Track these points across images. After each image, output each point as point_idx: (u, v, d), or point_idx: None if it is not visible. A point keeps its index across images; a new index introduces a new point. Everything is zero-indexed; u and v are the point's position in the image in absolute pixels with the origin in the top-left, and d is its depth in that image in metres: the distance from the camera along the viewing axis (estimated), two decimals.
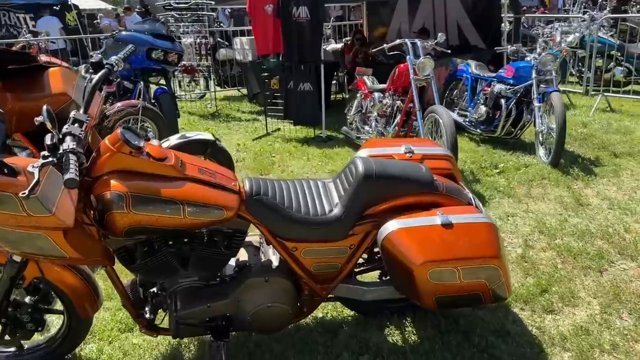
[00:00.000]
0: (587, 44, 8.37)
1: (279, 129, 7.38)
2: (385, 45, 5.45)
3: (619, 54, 8.86)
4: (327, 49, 10.21)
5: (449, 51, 5.75)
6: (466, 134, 6.67)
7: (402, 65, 5.36)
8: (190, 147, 4.23)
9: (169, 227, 2.09)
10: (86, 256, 2.10)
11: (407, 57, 5.19)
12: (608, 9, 11.73)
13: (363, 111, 6.08)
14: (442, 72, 7.74)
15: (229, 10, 16.51)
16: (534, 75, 5.59)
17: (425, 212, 2.34)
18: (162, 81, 7.23)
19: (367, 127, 5.89)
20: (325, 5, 14.60)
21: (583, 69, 9.15)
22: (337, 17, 15.99)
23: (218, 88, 10.34)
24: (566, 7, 17.52)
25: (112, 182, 2.01)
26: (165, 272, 2.28)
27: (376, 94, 5.65)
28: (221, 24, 13.40)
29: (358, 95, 6.20)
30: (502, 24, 8.98)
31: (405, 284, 2.30)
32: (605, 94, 7.89)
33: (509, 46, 5.98)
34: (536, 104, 5.51)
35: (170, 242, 2.21)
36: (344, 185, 2.42)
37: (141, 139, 2.08)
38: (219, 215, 2.15)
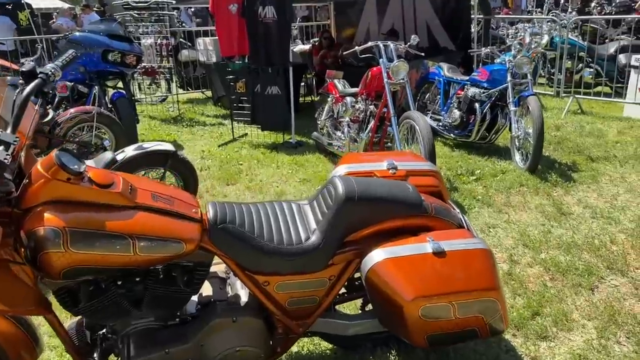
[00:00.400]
0: (557, 46, 8.30)
1: (246, 134, 7.04)
2: (357, 47, 5.19)
3: (587, 56, 8.84)
4: (295, 50, 9.91)
5: (422, 54, 5.53)
6: (440, 139, 6.47)
7: (374, 68, 5.11)
8: (149, 159, 3.89)
9: (117, 266, 1.77)
10: (12, 306, 1.75)
11: (380, 60, 4.94)
12: (570, 10, 11.79)
13: (334, 116, 5.81)
14: (414, 75, 7.54)
15: (192, 10, 16.05)
16: (509, 78, 5.42)
17: (414, 238, 2.08)
18: (120, 84, 6.80)
19: (338, 133, 5.62)
20: (298, 4, 14.36)
21: (553, 70, 9.11)
22: (303, 18, 15.70)
23: (181, 90, 9.92)
24: (529, 9, 17.70)
25: (46, 215, 1.67)
26: (115, 314, 1.96)
27: (348, 99, 5.38)
28: (184, 24, 12.95)
29: (329, 99, 5.93)
30: (472, 25, 8.86)
31: (393, 320, 2.03)
32: (576, 96, 7.82)
33: (482, 48, 5.80)
34: (512, 108, 5.34)
35: (120, 282, 1.89)
36: (322, 209, 2.14)
37: (82, 162, 1.75)
38: (177, 250, 1.84)
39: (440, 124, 6.30)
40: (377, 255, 2.00)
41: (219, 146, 6.67)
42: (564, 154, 5.80)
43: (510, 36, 12.38)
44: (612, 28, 9.91)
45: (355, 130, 5.37)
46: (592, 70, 8.94)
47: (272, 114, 6.53)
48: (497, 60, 5.77)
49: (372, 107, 5.24)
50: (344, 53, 5.44)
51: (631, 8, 13.19)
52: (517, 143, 5.35)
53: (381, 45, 5.04)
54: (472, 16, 8.84)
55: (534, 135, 4.97)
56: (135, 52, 6.58)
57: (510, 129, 5.39)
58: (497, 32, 9.83)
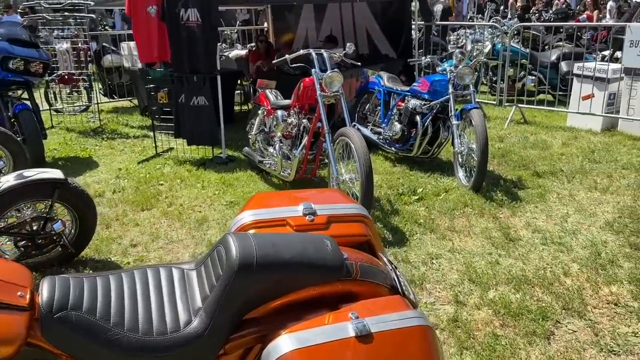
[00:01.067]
0: (499, 53, 8.08)
1: (171, 149, 6.42)
2: (287, 56, 4.69)
3: (529, 63, 8.69)
4: (230, 55, 9.31)
5: (359, 63, 5.09)
6: (381, 152, 6.07)
7: (307, 79, 4.63)
8: (32, 189, 3.25)
9: None
10: None
11: (313, 70, 4.46)
12: (510, 17, 11.73)
13: (266, 130, 5.29)
14: (354, 84, 7.13)
15: (120, 12, 15.16)
16: (450, 89, 5.06)
17: (334, 315, 1.58)
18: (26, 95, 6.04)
19: (271, 149, 5.10)
20: (231, 8, 13.70)
21: (495, 79, 8.91)
22: (243, 22, 15.09)
23: (105, 99, 9.14)
24: (470, 15, 17.76)
25: None
26: None
27: (279, 112, 4.86)
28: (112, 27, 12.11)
29: (260, 111, 5.41)
30: (413, 32, 8.54)
31: None
32: (519, 105, 7.61)
33: (422, 58, 5.43)
34: (454, 121, 4.97)
35: None
36: (211, 279, 1.61)
37: None
38: None
39: (381, 137, 5.90)
40: (283, 344, 1.49)
41: (139, 163, 6.02)
42: (508, 169, 5.49)
43: (451, 42, 12.24)
44: (552, 35, 9.83)
45: (288, 146, 4.86)
46: (534, 78, 8.81)
47: (198, 126, 5.94)
48: (439, 69, 5.40)
49: (305, 121, 4.76)
50: (274, 62, 4.94)
51: (568, 15, 13.34)
52: (459, 159, 4.99)
53: (314, 54, 4.56)
54: (413, 23, 8.51)
55: (477, 152, 4.61)
56: (42, 59, 5.86)
57: (452, 144, 5.02)
58: (439, 39, 9.56)
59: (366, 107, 6.47)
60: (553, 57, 8.65)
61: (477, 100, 5.03)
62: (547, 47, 10.12)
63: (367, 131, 6.17)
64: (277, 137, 4.92)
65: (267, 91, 5.43)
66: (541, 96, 8.40)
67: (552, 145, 6.33)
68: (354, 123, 6.45)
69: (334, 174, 4.21)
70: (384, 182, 5.16)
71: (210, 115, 5.93)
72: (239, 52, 9.46)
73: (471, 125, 4.80)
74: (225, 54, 9.16)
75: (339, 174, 4.24)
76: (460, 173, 5.01)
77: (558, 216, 4.30)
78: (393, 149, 5.74)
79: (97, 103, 8.31)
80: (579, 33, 11.37)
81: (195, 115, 5.90)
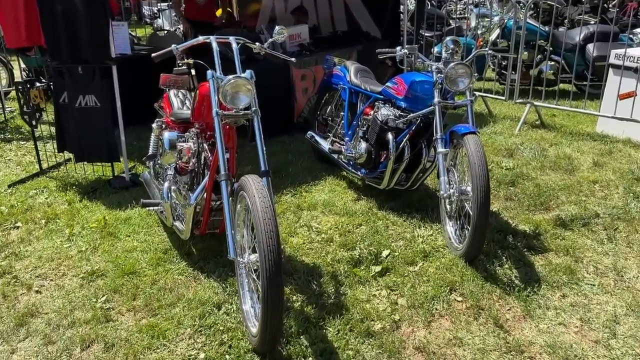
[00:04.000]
0: (511, 31, 6.25)
1: (66, 162, 4.76)
2: (174, 46, 2.96)
3: (548, 45, 6.90)
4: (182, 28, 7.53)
5: (293, 60, 3.35)
6: (346, 175, 4.41)
7: (205, 84, 2.92)
8: None
9: None
10: None
11: (209, 73, 2.74)
12: None
13: (159, 156, 3.60)
14: (319, 73, 5.40)
15: None
16: (436, 98, 3.33)
17: None
18: None
19: (163, 186, 3.39)
20: None
21: (504, 63, 7.12)
22: None
23: None
24: None
25: None
26: None
27: (167, 133, 3.14)
28: None
29: (154, 125, 3.69)
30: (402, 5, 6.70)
31: None
32: (536, 103, 5.84)
33: (398, 48, 3.62)
34: (439, 148, 3.26)
35: None
36: None
37: None
38: None
39: (342, 156, 4.21)
40: None
41: (10, 186, 4.36)
42: (520, 210, 3.80)
43: (457, 12, 10.35)
44: (571, 6, 8.00)
45: (185, 186, 3.18)
46: (553, 64, 7.02)
47: (87, 137, 4.26)
48: (422, 65, 3.65)
49: (207, 147, 3.07)
50: (154, 55, 3.18)
51: None
52: (447, 207, 3.29)
53: (214, 44, 2.84)
54: None
55: (474, 206, 2.92)
56: None
57: (440, 185, 3.30)
58: (436, 10, 7.71)
59: (328, 110, 4.75)
60: (579, 38, 6.83)
61: (476, 93, 3.26)
62: (565, 21, 8.27)
63: (325, 145, 4.48)
64: (170, 171, 3.23)
65: (172, 93, 3.72)
66: (563, 87, 6.64)
67: (580, 166, 4.61)
68: (309, 132, 4.75)
69: (230, 248, 2.50)
70: (337, 233, 3.49)
71: (103, 120, 4.24)
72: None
73: (467, 159, 3.10)
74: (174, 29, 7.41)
75: (241, 254, 2.57)
76: (449, 227, 3.32)
77: (599, 320, 2.64)
78: (359, 173, 4.06)
79: None
80: (605, 4, 9.51)
81: (82, 121, 4.22)
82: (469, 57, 3.50)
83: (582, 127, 5.71)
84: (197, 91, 2.99)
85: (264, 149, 2.65)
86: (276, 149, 5.21)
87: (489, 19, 6.70)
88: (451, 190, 3.18)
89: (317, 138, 4.61)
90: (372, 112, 3.92)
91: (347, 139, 4.25)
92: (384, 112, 3.72)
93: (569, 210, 3.76)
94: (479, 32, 6.61)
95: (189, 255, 3.26)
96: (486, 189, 2.87)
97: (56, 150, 4.51)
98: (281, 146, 5.32)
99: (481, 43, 7.18)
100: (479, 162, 2.90)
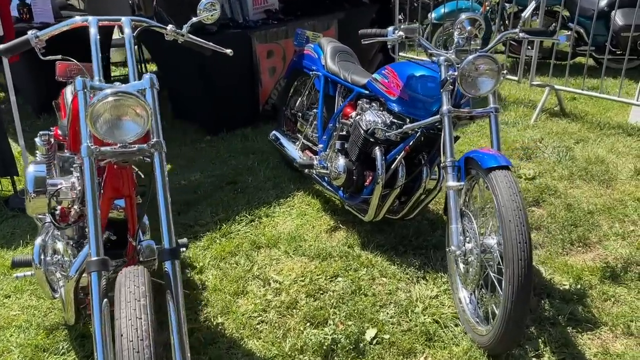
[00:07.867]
0: None
1: None
2: (30, 33, 1.86)
3: (564, 10, 5.81)
4: None
5: (229, 51, 2.24)
6: (323, 190, 3.38)
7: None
8: None
9: None
10: None
11: (79, 82, 1.65)
12: None
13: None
14: (290, 48, 4.29)
15: None
16: (445, 106, 2.26)
17: None
18: None
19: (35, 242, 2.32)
20: None
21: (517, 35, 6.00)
22: None
23: None
24: None
25: None
26: None
27: (32, 168, 2.08)
28: None
29: (37, 138, 2.60)
30: None
31: None
32: (557, 86, 4.79)
33: (390, 29, 2.45)
34: (451, 181, 2.21)
35: None
36: None
37: None
38: None
39: (314, 170, 3.15)
40: None
41: None
42: (553, 250, 2.81)
43: None
44: None
45: (70, 243, 2.13)
46: (569, 33, 5.92)
47: None
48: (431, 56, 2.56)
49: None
50: (1, 47, 2.07)
51: None
52: (461, 267, 2.27)
53: (92, 29, 1.76)
54: None
55: (507, 284, 1.90)
56: None
57: (447, 235, 2.27)
58: None
59: (297, 103, 3.65)
60: (602, 3, 5.74)
61: (499, 104, 2.20)
62: None
63: (294, 151, 3.43)
64: (44, 220, 2.18)
65: (68, 89, 2.60)
66: (578, 60, 5.62)
67: (618, 174, 3.61)
68: (273, 133, 3.69)
69: None
70: (303, 290, 2.49)
71: None
72: None
73: (494, 206, 2.07)
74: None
75: None
76: (463, 295, 2.30)
77: None
78: (337, 194, 3.03)
79: None
80: None
81: None
82: (492, 44, 2.41)
83: (611, 116, 4.69)
84: (72, 105, 1.91)
85: (170, 213, 1.60)
86: (235, 148, 4.16)
87: None
88: (468, 245, 2.16)
89: (283, 141, 3.56)
90: (353, 114, 2.86)
91: (321, 145, 3.19)
92: (370, 117, 2.66)
93: (616, 249, 2.78)
94: None
95: (83, 339, 2.24)
96: (527, 261, 1.85)
97: None
98: (242, 144, 4.26)
99: (487, 7, 6.06)
100: (517, 221, 1.87)
